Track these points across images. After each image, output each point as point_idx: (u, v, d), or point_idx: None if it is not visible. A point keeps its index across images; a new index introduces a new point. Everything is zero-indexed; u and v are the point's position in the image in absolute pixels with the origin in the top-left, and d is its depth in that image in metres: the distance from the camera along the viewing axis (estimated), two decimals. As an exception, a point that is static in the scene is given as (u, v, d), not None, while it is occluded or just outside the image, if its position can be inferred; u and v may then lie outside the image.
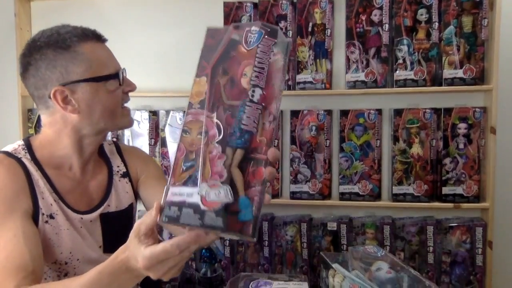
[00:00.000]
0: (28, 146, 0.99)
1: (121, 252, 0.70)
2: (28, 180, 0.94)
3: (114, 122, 1.00)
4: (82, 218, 0.99)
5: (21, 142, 1.00)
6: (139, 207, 1.17)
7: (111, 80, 0.97)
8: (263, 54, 0.70)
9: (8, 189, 0.90)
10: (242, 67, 0.70)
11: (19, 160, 0.95)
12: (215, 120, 0.67)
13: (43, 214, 0.94)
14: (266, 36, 0.71)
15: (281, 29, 1.84)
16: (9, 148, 0.99)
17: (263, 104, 0.68)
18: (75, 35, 0.94)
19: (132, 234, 0.67)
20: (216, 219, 0.61)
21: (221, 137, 0.66)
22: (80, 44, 0.94)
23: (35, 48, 0.94)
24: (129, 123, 1.06)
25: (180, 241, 0.63)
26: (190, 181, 0.65)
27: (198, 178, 0.64)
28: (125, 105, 1.04)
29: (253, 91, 0.68)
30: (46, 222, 0.94)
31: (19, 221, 0.88)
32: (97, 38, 0.98)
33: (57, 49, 0.93)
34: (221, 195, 0.63)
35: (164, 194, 0.64)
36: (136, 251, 0.66)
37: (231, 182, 0.64)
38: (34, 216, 0.93)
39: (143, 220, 0.66)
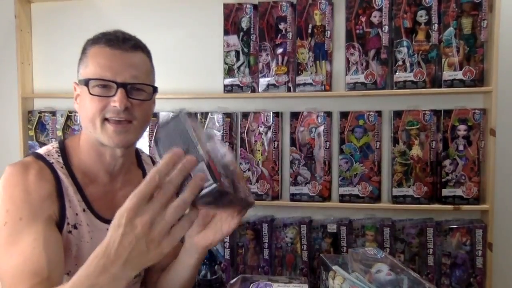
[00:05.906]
0: (62, 149, 0.97)
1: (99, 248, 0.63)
2: (57, 187, 0.91)
3: (96, 132, 0.93)
4: (107, 230, 0.93)
5: (56, 144, 0.99)
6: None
7: (90, 86, 0.91)
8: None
9: (35, 194, 0.88)
10: None
11: (50, 165, 0.93)
12: None
13: (68, 223, 0.92)
14: None
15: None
16: (42, 150, 0.97)
17: None
18: (93, 37, 0.96)
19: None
20: None
21: None
22: (90, 47, 0.95)
23: None
24: (107, 141, 0.92)
25: (156, 166, 0.58)
26: None
27: None
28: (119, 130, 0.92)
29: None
30: (70, 232, 0.92)
31: (41, 227, 0.86)
32: (108, 43, 0.92)
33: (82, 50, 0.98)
34: None
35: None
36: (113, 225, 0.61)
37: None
38: (59, 224, 0.91)
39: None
